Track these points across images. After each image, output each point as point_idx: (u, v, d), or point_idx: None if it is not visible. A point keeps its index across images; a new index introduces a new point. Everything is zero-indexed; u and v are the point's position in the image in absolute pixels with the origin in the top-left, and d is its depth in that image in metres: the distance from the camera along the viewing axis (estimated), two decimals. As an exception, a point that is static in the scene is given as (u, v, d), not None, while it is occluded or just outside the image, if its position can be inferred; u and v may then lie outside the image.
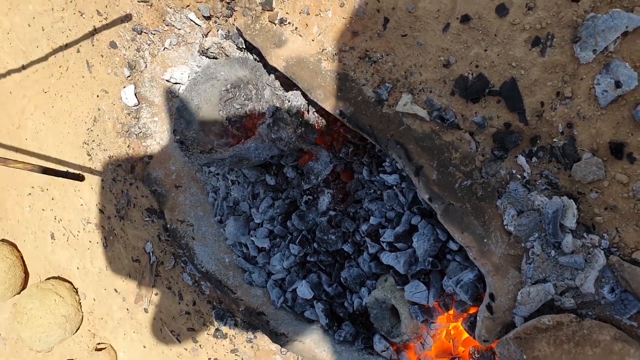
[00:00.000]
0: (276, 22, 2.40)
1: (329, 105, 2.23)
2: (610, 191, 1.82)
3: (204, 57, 2.90)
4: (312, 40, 2.32)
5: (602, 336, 1.82)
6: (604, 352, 1.80)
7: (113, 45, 3.21)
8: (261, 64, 2.57)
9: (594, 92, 1.81)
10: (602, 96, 1.79)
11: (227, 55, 2.83)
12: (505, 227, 1.96)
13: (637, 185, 1.77)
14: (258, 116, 2.57)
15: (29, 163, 3.12)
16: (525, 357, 1.84)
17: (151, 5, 2.91)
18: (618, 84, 1.76)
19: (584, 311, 1.91)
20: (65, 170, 3.52)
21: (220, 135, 2.65)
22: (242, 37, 2.54)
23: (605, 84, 1.78)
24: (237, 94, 2.61)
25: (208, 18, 2.78)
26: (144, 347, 3.75)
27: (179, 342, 3.52)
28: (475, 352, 2.21)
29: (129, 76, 3.19)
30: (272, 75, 2.50)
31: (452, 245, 2.19)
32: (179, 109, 2.53)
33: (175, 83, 3.05)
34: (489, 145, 2.00)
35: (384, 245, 2.36)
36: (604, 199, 1.83)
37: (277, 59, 2.34)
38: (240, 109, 2.62)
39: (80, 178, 3.56)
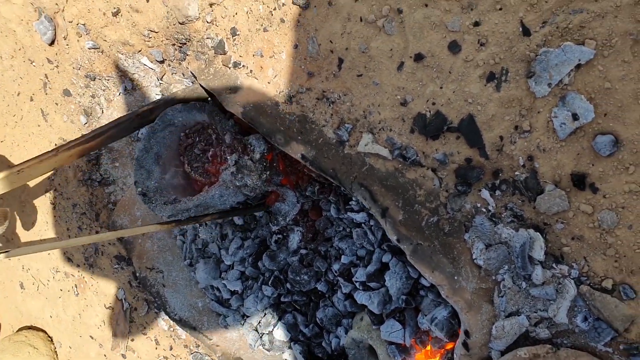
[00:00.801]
0: (230, 65, 2.36)
1: (290, 149, 2.21)
2: (576, 221, 1.83)
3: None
4: (268, 82, 2.29)
5: (578, 365, 1.83)
6: (581, 381, 1.81)
7: (67, 92, 3.14)
8: (221, 115, 2.53)
9: (552, 125, 1.82)
10: (560, 129, 1.80)
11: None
12: (475, 261, 1.96)
13: (601, 215, 1.78)
14: (221, 161, 2.52)
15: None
16: (504, 394, 1.83)
17: (102, 52, 2.85)
18: (575, 117, 1.77)
19: (559, 340, 1.91)
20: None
21: (183, 184, 2.60)
22: (197, 81, 2.50)
23: (562, 117, 1.79)
24: (197, 139, 2.57)
25: (161, 62, 2.73)
26: (124, 393, 3.68)
27: (159, 387, 3.46)
28: (456, 389, 2.20)
29: (85, 123, 3.12)
30: (231, 120, 2.46)
31: (424, 282, 2.18)
32: (138, 160, 2.47)
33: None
34: (452, 181, 2.00)
35: (357, 284, 2.34)
36: (570, 229, 1.84)
37: (233, 104, 2.31)
38: (201, 155, 2.58)
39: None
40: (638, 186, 1.72)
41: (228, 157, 2.41)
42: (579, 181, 1.80)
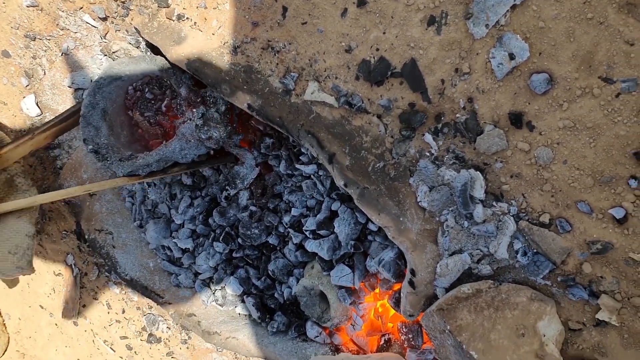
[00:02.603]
0: (174, 18, 2.33)
1: (236, 99, 2.20)
2: (514, 160, 1.89)
3: (104, 59, 2.79)
4: (213, 34, 2.27)
5: (519, 298, 1.91)
6: (522, 313, 1.89)
7: (6, 54, 3.03)
8: (176, 69, 2.50)
9: (490, 65, 1.87)
10: (498, 69, 1.85)
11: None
12: (419, 203, 2.01)
13: (538, 152, 1.85)
14: (177, 114, 2.49)
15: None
16: (448, 327, 1.90)
17: (42, 10, 2.77)
18: (512, 56, 1.82)
19: (501, 276, 1.99)
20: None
21: (134, 137, 2.56)
22: (141, 36, 2.46)
23: (500, 57, 1.84)
24: (147, 91, 2.52)
25: (104, 19, 2.67)
26: (78, 360, 3.65)
27: (113, 351, 3.43)
28: (403, 327, 2.26)
29: (27, 85, 3.03)
30: (187, 73, 2.43)
31: (372, 227, 2.23)
32: (84, 116, 2.41)
33: (78, 88, 2.92)
34: (396, 127, 2.04)
35: (307, 233, 2.38)
36: (508, 167, 1.91)
37: (177, 56, 2.29)
38: (153, 108, 2.54)
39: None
40: (572, 122, 1.79)
41: (186, 110, 2.39)
42: (516, 120, 1.86)
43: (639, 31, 1.67)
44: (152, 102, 2.55)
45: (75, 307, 3.45)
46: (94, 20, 2.70)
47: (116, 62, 2.42)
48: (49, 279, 3.50)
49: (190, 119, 2.36)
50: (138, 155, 2.43)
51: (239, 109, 2.56)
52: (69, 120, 2.58)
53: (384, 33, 2.00)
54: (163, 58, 2.46)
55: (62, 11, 2.72)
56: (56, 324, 3.65)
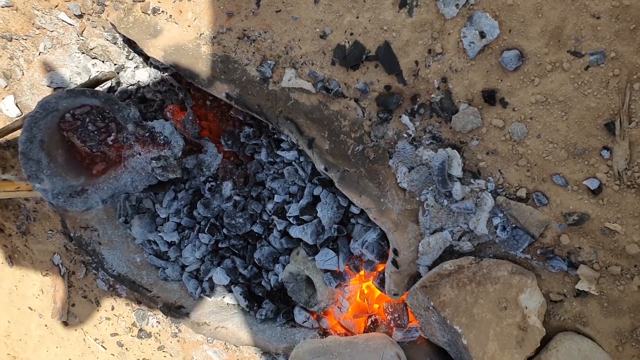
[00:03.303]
0: (149, 12, 2.34)
1: (214, 89, 2.22)
2: (489, 136, 1.93)
3: (82, 57, 2.80)
4: (189, 26, 2.29)
5: (500, 272, 1.95)
6: (503, 287, 1.93)
7: (-18, 55, 3.03)
8: (118, 98, 2.50)
9: (462, 45, 1.90)
10: (469, 48, 1.89)
11: (110, 60, 2.75)
12: (400, 184, 2.04)
13: (512, 128, 1.89)
14: (123, 145, 2.51)
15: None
16: (432, 303, 1.93)
17: (17, 10, 2.76)
18: (482, 35, 1.85)
19: (481, 252, 2.03)
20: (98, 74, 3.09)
21: (70, 156, 2.56)
22: (117, 31, 2.46)
23: (471, 36, 1.87)
24: (87, 119, 2.51)
25: (80, 16, 2.67)
26: (69, 360, 3.65)
27: (105, 349, 3.44)
28: (389, 307, 2.30)
29: (6, 86, 3.02)
30: (133, 108, 2.43)
31: (354, 210, 2.26)
32: (23, 153, 2.35)
33: (57, 87, 2.92)
34: (374, 110, 2.06)
35: (291, 220, 2.40)
36: (484, 144, 1.94)
37: (154, 49, 2.30)
38: (96, 138, 2.54)
39: (112, 75, 3.01)
40: (543, 97, 1.83)
41: (134, 144, 2.42)
42: (490, 97, 1.89)
43: (605, 4, 1.71)
44: (95, 132, 2.54)
45: (64, 307, 3.46)
46: (70, 18, 2.70)
47: (52, 96, 2.37)
48: (37, 280, 3.50)
49: (139, 154, 2.44)
50: (88, 188, 2.43)
51: (218, 100, 2.58)
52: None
53: (357, 17, 2.02)
54: (106, 92, 2.48)
55: (38, 10, 2.72)
56: (46, 325, 3.65)
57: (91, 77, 2.68)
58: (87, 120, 2.50)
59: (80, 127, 2.51)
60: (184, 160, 2.48)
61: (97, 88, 2.66)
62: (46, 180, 2.42)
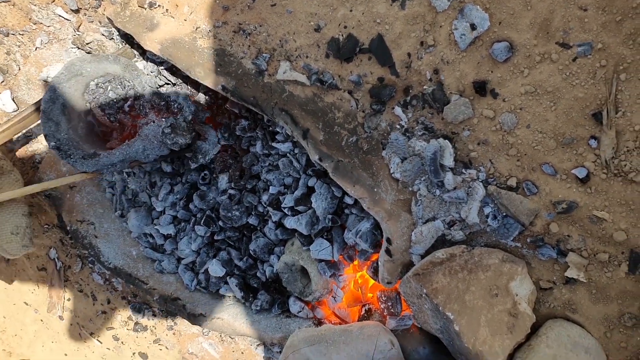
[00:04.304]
0: (146, 6, 2.37)
1: (210, 81, 2.25)
2: (480, 127, 1.97)
3: (78, 52, 2.82)
4: (185, 20, 2.32)
5: (491, 260, 1.99)
6: (495, 275, 1.97)
7: (-21, 51, 3.05)
8: (136, 65, 2.54)
9: (454, 37, 1.94)
10: (461, 40, 1.93)
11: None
12: (393, 175, 2.08)
13: (502, 118, 1.93)
14: (139, 114, 2.54)
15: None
16: (425, 291, 1.97)
17: (14, 5, 2.79)
18: (473, 27, 1.90)
19: (473, 241, 2.07)
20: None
21: (92, 131, 2.59)
22: (114, 26, 2.49)
23: (462, 28, 1.91)
24: (109, 87, 2.55)
25: (76, 11, 2.70)
26: (65, 355, 3.65)
27: (101, 343, 3.45)
28: (382, 295, 2.33)
29: (2, 81, 3.04)
30: (150, 76, 2.47)
31: (348, 200, 2.29)
32: (44, 111, 2.41)
33: (54, 82, 2.95)
34: (367, 101, 2.10)
35: (286, 211, 2.43)
36: (475, 135, 1.98)
37: (151, 42, 2.33)
38: (115, 105, 2.58)
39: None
40: (533, 87, 1.87)
41: (149, 112, 2.45)
42: (481, 88, 1.93)
43: (592, -4, 1.76)
44: (114, 100, 2.57)
45: (60, 301, 3.47)
46: (67, 12, 2.73)
47: (77, 59, 2.45)
48: (32, 275, 3.51)
49: (154, 121, 2.44)
50: (101, 153, 2.46)
51: (215, 94, 2.62)
52: (27, 119, 2.65)
53: (351, 10, 2.06)
54: (127, 59, 2.51)
55: (35, 5, 2.75)
56: (42, 320, 3.66)
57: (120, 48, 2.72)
58: (109, 87, 2.54)
59: (101, 95, 2.54)
60: (193, 126, 2.50)
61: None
62: (62, 142, 2.47)
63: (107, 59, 2.49)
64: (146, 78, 2.51)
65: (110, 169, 2.45)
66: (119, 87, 2.54)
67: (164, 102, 2.49)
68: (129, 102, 2.53)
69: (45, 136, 2.45)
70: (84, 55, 2.45)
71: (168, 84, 2.67)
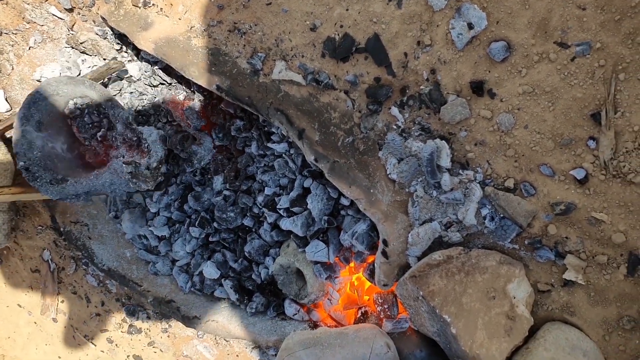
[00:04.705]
0: (140, 5, 2.35)
1: (204, 81, 2.23)
2: (478, 127, 1.95)
3: (72, 52, 2.80)
4: (179, 19, 2.30)
5: (488, 262, 1.96)
6: (492, 277, 1.94)
7: (-28, 50, 3.02)
8: (116, 99, 2.47)
9: (451, 36, 1.92)
10: (458, 39, 1.91)
11: (100, 54, 2.75)
12: (389, 175, 2.05)
13: (500, 118, 1.91)
14: (112, 145, 2.49)
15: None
16: (422, 293, 1.95)
17: (7, 4, 2.76)
18: (470, 26, 1.88)
19: (470, 243, 2.05)
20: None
21: (69, 154, 2.52)
22: (108, 25, 2.47)
23: (459, 28, 1.89)
24: (86, 110, 2.48)
25: (70, 10, 2.67)
26: (59, 357, 3.63)
27: (94, 345, 3.43)
28: (379, 298, 2.31)
29: (-5, 81, 3.02)
30: (126, 112, 2.41)
31: (344, 201, 2.27)
32: (16, 129, 2.35)
33: (49, 81, 2.92)
34: (363, 101, 2.08)
35: (281, 212, 2.41)
36: (472, 135, 1.96)
37: (145, 42, 2.30)
38: (90, 131, 2.50)
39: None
40: (531, 87, 1.85)
41: (120, 145, 2.42)
42: (478, 88, 1.91)
43: (590, -5, 1.74)
44: (89, 124, 2.50)
45: (53, 304, 3.45)
46: (60, 12, 2.70)
47: (53, 79, 2.38)
48: (26, 276, 3.49)
49: (123, 156, 2.41)
50: (69, 179, 2.41)
51: (209, 94, 2.59)
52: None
53: (347, 10, 2.04)
54: (103, 87, 2.48)
55: (28, 4, 2.72)
56: (35, 322, 3.64)
57: (101, 66, 2.67)
58: (86, 111, 2.48)
59: (79, 117, 2.49)
60: (160, 172, 2.44)
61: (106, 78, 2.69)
62: (33, 161, 2.39)
63: (83, 83, 2.42)
64: (121, 111, 2.42)
65: (74, 200, 2.42)
66: (95, 112, 2.49)
67: (136, 139, 2.44)
68: (101, 132, 2.48)
69: (16, 154, 2.38)
70: (60, 77, 2.38)
71: (163, 84, 2.65)
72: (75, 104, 2.48)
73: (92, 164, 2.56)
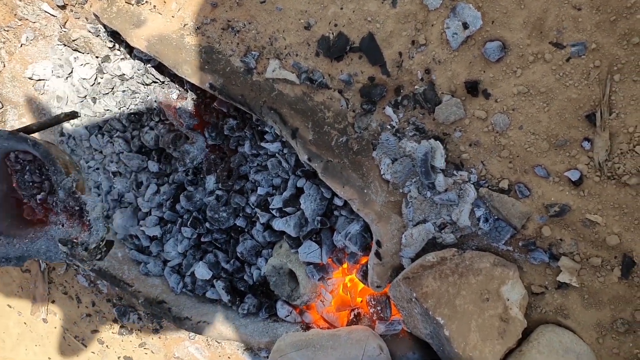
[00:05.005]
0: (133, 2, 2.33)
1: (197, 79, 2.21)
2: (472, 128, 1.94)
3: (64, 49, 2.77)
4: (172, 16, 2.28)
5: (482, 264, 1.95)
6: (486, 279, 1.93)
7: (-37, 47, 2.99)
8: (62, 161, 2.18)
9: (445, 36, 1.91)
10: (453, 39, 1.89)
11: (92, 52, 2.72)
12: (383, 176, 2.04)
13: (494, 119, 1.89)
14: (52, 209, 2.31)
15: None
16: (415, 294, 1.93)
17: (-1, 0, 2.74)
18: (465, 25, 1.86)
19: (464, 244, 2.03)
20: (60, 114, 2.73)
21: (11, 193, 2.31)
22: (100, 22, 2.45)
23: (454, 27, 1.88)
24: (27, 167, 2.29)
25: (63, 7, 2.65)
26: (49, 358, 3.59)
27: (85, 346, 3.40)
28: (372, 300, 2.29)
29: (-14, 79, 2.99)
30: (69, 179, 2.14)
31: (338, 202, 2.25)
32: None
33: (39, 80, 2.89)
34: (357, 101, 2.06)
35: (274, 212, 2.39)
36: (467, 136, 1.95)
37: (137, 39, 2.28)
38: (30, 189, 2.31)
39: (75, 115, 2.82)
40: (525, 88, 1.84)
41: (61, 212, 2.21)
42: (473, 88, 1.90)
43: (586, -4, 1.73)
44: (29, 183, 2.33)
45: (44, 304, 3.41)
46: (53, 8, 2.68)
47: None
48: (16, 276, 3.45)
49: (63, 225, 2.22)
50: (0, 238, 2.22)
51: (203, 92, 2.57)
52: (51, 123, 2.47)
53: (342, 8, 2.02)
54: (49, 148, 2.19)
55: (20, 0, 2.70)
56: (25, 323, 3.60)
57: (54, 115, 2.55)
58: (27, 168, 2.29)
59: (19, 172, 2.31)
60: (101, 249, 2.18)
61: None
62: None
63: (25, 140, 2.16)
64: (64, 179, 2.17)
65: (4, 264, 2.21)
66: (37, 172, 2.31)
67: (78, 208, 2.20)
68: (41, 195, 2.31)
69: None
70: (2, 130, 2.14)
71: (156, 82, 2.63)
72: (17, 156, 2.29)
73: (27, 221, 2.36)
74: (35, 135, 2.36)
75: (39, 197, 2.29)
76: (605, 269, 1.87)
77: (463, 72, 1.91)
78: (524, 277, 1.99)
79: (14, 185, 2.33)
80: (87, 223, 2.17)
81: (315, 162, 2.05)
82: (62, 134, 2.97)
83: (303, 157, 2.08)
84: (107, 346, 3.33)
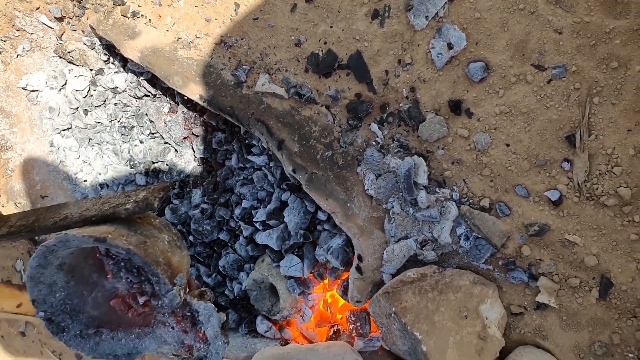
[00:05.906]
0: (129, 15, 2.38)
1: (188, 90, 2.25)
2: (455, 146, 1.97)
3: (59, 61, 2.81)
4: (167, 30, 2.33)
5: (462, 282, 1.96)
6: (465, 296, 1.93)
7: (-40, 56, 3.03)
8: (162, 278, 1.76)
9: (431, 55, 1.96)
10: (437, 59, 1.94)
11: (87, 65, 2.76)
12: (367, 191, 2.06)
13: (477, 137, 1.93)
14: (154, 311, 1.94)
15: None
16: (394, 309, 1.93)
17: (-2, 10, 2.79)
18: (450, 46, 1.92)
19: (445, 262, 2.04)
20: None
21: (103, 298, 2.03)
22: (96, 34, 2.49)
23: (439, 47, 1.93)
24: (122, 264, 1.87)
25: (60, 19, 2.70)
26: (25, 374, 3.53)
27: (62, 362, 3.34)
28: (351, 316, 2.28)
29: (-20, 88, 3.02)
30: (174, 291, 1.84)
31: (321, 216, 2.26)
32: (32, 277, 1.42)
33: (33, 90, 2.93)
34: (344, 117, 2.10)
35: (257, 225, 2.40)
36: (450, 154, 1.98)
37: (131, 50, 2.33)
38: (128, 289, 1.89)
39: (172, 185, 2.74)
40: (507, 108, 1.88)
41: (169, 316, 1.71)
42: (456, 107, 1.94)
43: (566, 20, 1.78)
44: (127, 282, 1.90)
45: (22, 316, 3.37)
46: (50, 20, 2.73)
47: (74, 237, 1.72)
48: (-3, 288, 3.41)
49: (173, 327, 1.77)
50: (103, 332, 1.96)
51: (193, 106, 2.61)
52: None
53: (331, 27, 2.08)
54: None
55: (19, 12, 2.75)
56: (2, 336, 3.54)
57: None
58: (122, 264, 1.86)
59: (113, 264, 2.03)
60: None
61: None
62: (55, 307, 1.80)
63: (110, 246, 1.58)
64: (168, 290, 1.66)
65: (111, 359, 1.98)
66: (134, 272, 1.89)
67: (189, 314, 1.73)
68: (142, 299, 1.91)
69: (33, 302, 1.72)
70: (84, 236, 1.68)
71: (147, 95, 2.66)
72: (108, 250, 1.87)
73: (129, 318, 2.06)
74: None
75: (140, 299, 1.80)
76: (583, 289, 1.88)
77: (447, 91, 1.95)
78: (504, 297, 2.00)
79: (109, 276, 1.94)
80: (202, 333, 1.79)
81: (300, 174, 2.08)
82: (52, 145, 2.99)
83: (288, 169, 2.10)
84: (85, 361, 3.28)
